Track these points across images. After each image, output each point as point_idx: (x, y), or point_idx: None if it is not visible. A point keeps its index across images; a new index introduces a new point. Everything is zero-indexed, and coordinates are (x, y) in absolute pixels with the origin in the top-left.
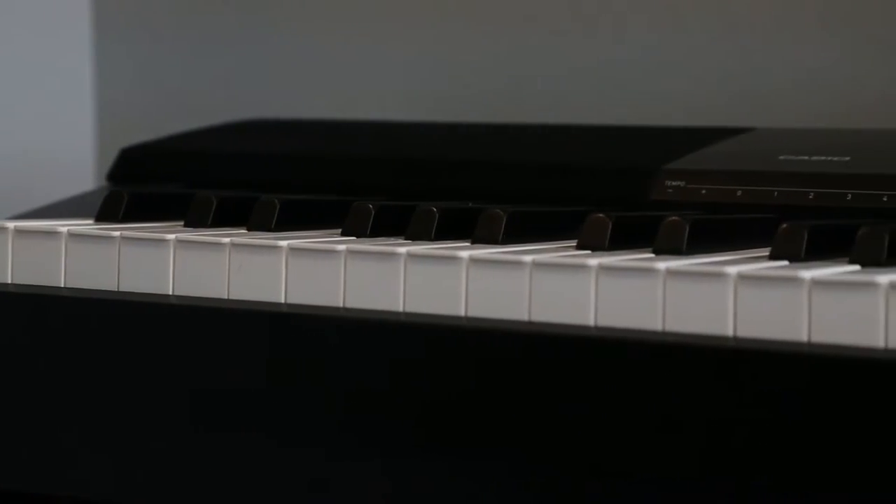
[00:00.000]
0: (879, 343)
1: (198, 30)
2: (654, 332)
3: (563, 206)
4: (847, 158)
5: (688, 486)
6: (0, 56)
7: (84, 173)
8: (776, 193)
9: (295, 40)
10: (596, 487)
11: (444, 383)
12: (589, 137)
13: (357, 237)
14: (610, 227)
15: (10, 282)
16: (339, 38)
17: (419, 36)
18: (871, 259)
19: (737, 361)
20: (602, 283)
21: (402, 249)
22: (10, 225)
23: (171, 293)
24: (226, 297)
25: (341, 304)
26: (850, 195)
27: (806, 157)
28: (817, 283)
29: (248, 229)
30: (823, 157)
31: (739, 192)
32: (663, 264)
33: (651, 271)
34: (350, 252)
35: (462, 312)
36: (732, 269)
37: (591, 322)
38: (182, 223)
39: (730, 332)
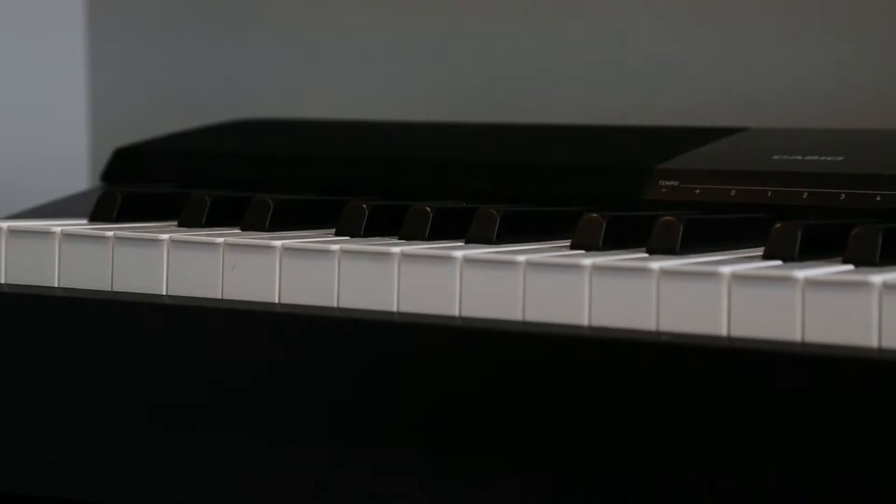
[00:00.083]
0: (873, 343)
1: (192, 30)
2: (648, 332)
3: (557, 206)
4: (841, 158)
5: (683, 485)
6: None
7: (78, 173)
8: (770, 193)
9: (289, 40)
10: (591, 487)
11: (438, 383)
12: (583, 137)
13: (351, 237)
14: (604, 226)
15: (3, 282)
16: (335, 38)
17: (415, 36)
18: (865, 259)
19: (730, 361)
20: (596, 283)
21: (396, 249)
22: (4, 225)
23: (164, 293)
24: (219, 297)
25: (335, 304)
26: (843, 195)
27: (800, 157)
28: (811, 283)
29: (242, 229)
30: (817, 157)
31: (733, 192)
32: (657, 264)
33: (645, 271)
34: (344, 252)
35: (456, 312)
36: (726, 269)
37: (584, 322)
38: (176, 223)
39: (723, 332)
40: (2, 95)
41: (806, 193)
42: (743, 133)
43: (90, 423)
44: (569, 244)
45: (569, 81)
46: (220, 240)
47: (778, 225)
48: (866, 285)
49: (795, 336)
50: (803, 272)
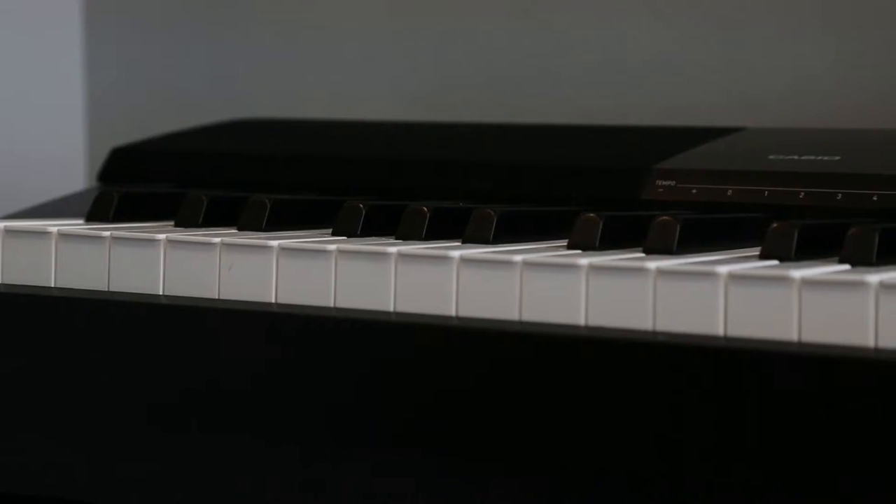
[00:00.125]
0: (869, 342)
1: (188, 29)
2: (645, 332)
3: (553, 206)
4: (837, 158)
5: (680, 485)
6: None
7: (75, 173)
8: (766, 193)
9: (288, 40)
10: (588, 487)
11: (435, 383)
12: (579, 137)
13: (348, 237)
14: (600, 226)
15: (0, 282)
16: (331, 38)
17: (415, 36)
18: (861, 258)
19: (727, 361)
20: (593, 283)
21: (393, 249)
22: (0, 224)
23: (161, 293)
24: (216, 296)
25: (332, 304)
26: (840, 195)
27: (796, 157)
28: (807, 283)
29: (239, 229)
30: (813, 157)
31: (730, 192)
32: (654, 264)
33: (641, 271)
34: (341, 252)
35: (453, 312)
36: (723, 269)
37: (581, 321)
38: (173, 223)
39: (720, 332)
40: None
41: (802, 193)
42: (740, 133)
43: (87, 423)
44: (566, 244)
45: (569, 81)
46: (217, 240)
47: (774, 225)
48: (863, 285)
49: (792, 336)
50: (800, 272)
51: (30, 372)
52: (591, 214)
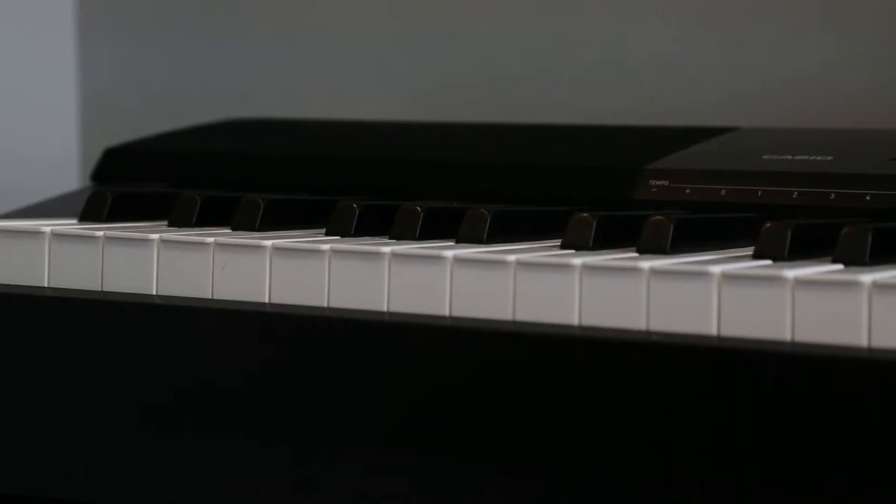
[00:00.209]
0: (862, 342)
1: (182, 30)
2: (638, 332)
3: (547, 206)
4: (830, 158)
5: (673, 485)
6: None
7: (68, 173)
8: (760, 193)
9: (280, 40)
10: (581, 486)
11: (428, 383)
12: (573, 137)
13: (341, 237)
14: (594, 226)
15: None
16: (325, 38)
17: (410, 36)
18: (855, 258)
19: (720, 360)
20: (586, 283)
21: (387, 249)
22: None
23: (154, 293)
24: (210, 296)
25: (325, 304)
26: (833, 194)
27: (789, 157)
28: (800, 283)
29: (233, 229)
30: (807, 157)
31: (723, 192)
32: (647, 263)
33: (635, 270)
34: (334, 252)
35: (446, 312)
36: (716, 269)
37: (575, 321)
38: (166, 223)
39: (713, 332)
40: None
41: (796, 193)
42: (733, 133)
43: (81, 424)
44: (559, 244)
45: (569, 81)
46: (211, 240)
47: (768, 224)
48: (856, 285)
49: (785, 336)
50: (793, 272)
51: (23, 372)
52: (585, 214)
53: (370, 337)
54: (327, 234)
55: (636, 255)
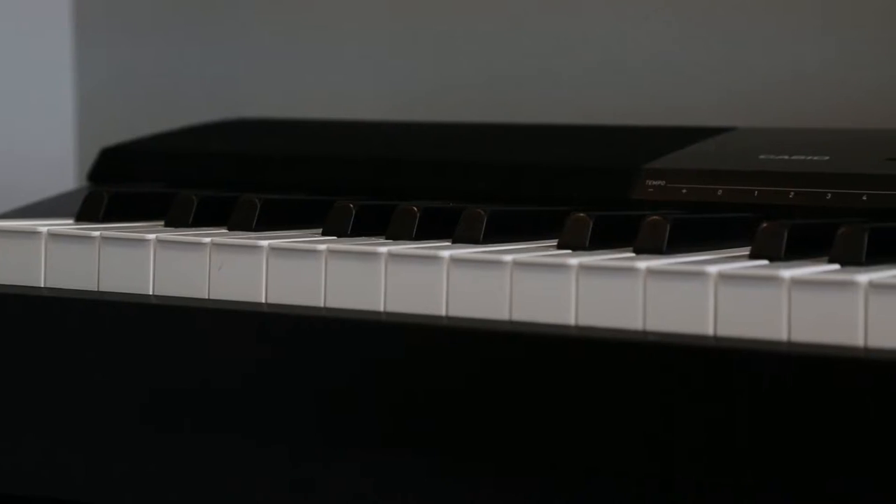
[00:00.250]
0: (859, 342)
1: (178, 30)
2: (635, 332)
3: (544, 206)
4: (827, 158)
5: (670, 486)
6: None
7: (65, 173)
8: (756, 193)
9: (276, 40)
10: (578, 487)
11: (425, 383)
12: (570, 137)
13: (338, 237)
14: (590, 226)
15: None
16: (321, 37)
17: (410, 36)
18: (851, 258)
19: (717, 360)
20: (583, 283)
21: (383, 249)
22: None
23: (151, 293)
24: (206, 296)
25: (322, 304)
26: (829, 194)
27: (786, 157)
28: (797, 283)
29: (229, 229)
30: (803, 157)
31: (720, 192)
32: (644, 264)
33: (631, 270)
34: (331, 252)
35: (443, 312)
36: (712, 269)
37: (571, 321)
38: (163, 223)
39: (710, 332)
40: None
41: (792, 193)
42: (730, 133)
43: (79, 424)
44: (556, 244)
45: (569, 81)
46: (207, 240)
47: (764, 224)
48: (852, 285)
49: (782, 335)
50: (789, 272)
51: (21, 373)
52: (581, 214)
53: (367, 337)
54: (324, 234)
55: (633, 255)
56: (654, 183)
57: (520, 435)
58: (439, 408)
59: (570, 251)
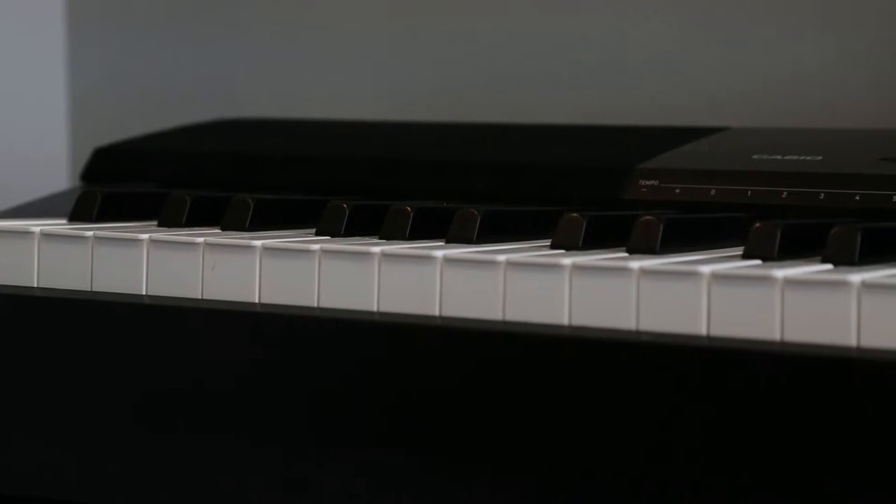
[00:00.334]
0: (851, 342)
1: (172, 29)
2: (628, 332)
3: (537, 206)
4: (820, 158)
5: (666, 485)
6: None
7: (58, 173)
8: (749, 193)
9: (271, 40)
10: (574, 487)
11: (419, 383)
12: (563, 137)
13: (331, 237)
14: (584, 226)
15: None
16: (315, 37)
17: (410, 36)
18: (844, 258)
19: (710, 360)
20: (576, 283)
21: (377, 249)
22: None
23: (144, 293)
24: (199, 296)
25: (315, 304)
26: (822, 194)
27: (779, 157)
28: (790, 283)
29: (222, 229)
30: (796, 157)
31: (713, 192)
32: (637, 263)
33: (625, 270)
34: (324, 252)
35: (436, 312)
36: (706, 269)
37: (564, 321)
38: (156, 223)
39: (703, 332)
40: None
41: (785, 193)
42: (723, 133)
43: (72, 424)
44: (549, 244)
45: (569, 81)
46: (200, 240)
47: (757, 224)
48: (845, 284)
49: (775, 335)
50: (782, 272)
51: (13, 373)
52: (575, 214)
53: (360, 337)
54: (317, 234)
55: (626, 255)
56: (648, 183)
57: (514, 435)
58: (433, 408)
59: (563, 251)
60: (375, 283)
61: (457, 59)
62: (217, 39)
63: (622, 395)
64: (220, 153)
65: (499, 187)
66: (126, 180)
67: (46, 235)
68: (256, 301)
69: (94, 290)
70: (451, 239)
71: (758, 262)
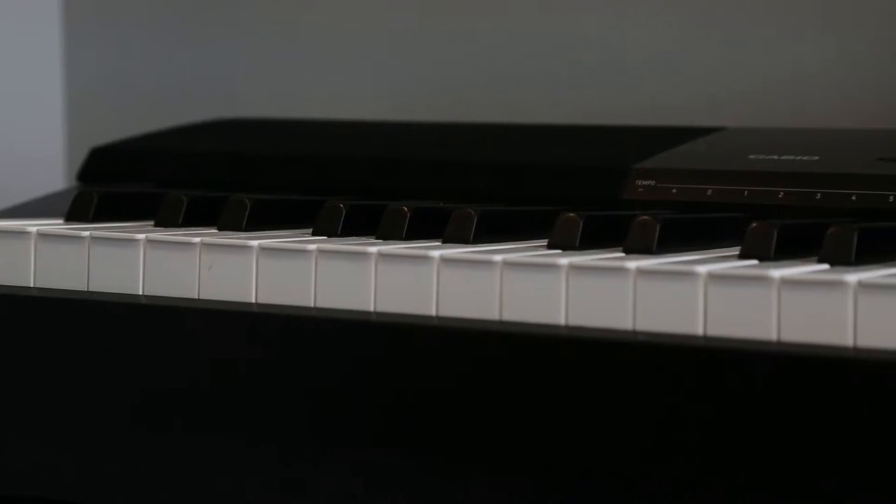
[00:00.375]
0: (848, 342)
1: (169, 29)
2: (625, 332)
3: (534, 206)
4: (816, 158)
5: (662, 485)
6: None
7: (54, 173)
8: (746, 193)
9: (266, 39)
10: (571, 486)
11: (416, 383)
12: (560, 137)
13: (328, 237)
14: (580, 226)
15: None
16: (312, 37)
17: (410, 36)
18: (840, 258)
19: (706, 360)
20: (573, 283)
21: (373, 249)
22: None
23: (141, 293)
24: (196, 296)
25: (312, 304)
26: (819, 194)
27: (776, 157)
28: (786, 283)
29: (219, 229)
30: (793, 157)
31: (710, 192)
32: (634, 263)
33: (621, 270)
34: (321, 252)
35: (433, 312)
36: (702, 269)
37: (561, 321)
38: (152, 223)
39: (700, 331)
40: None
41: (782, 193)
42: (720, 133)
43: (69, 424)
44: (546, 244)
45: (569, 81)
46: (197, 240)
47: (754, 224)
48: (842, 284)
49: (771, 335)
50: (779, 272)
51: (10, 373)
52: (571, 214)
53: (357, 337)
54: (314, 234)
55: (623, 255)
56: (644, 183)
57: (511, 435)
58: (430, 408)
59: (560, 251)
60: (372, 283)
61: (457, 59)
62: (216, 39)
63: (619, 395)
64: (216, 153)
65: (496, 187)
66: (123, 180)
67: (43, 235)
68: (253, 301)
69: (90, 290)
70: (448, 239)
71: (754, 262)
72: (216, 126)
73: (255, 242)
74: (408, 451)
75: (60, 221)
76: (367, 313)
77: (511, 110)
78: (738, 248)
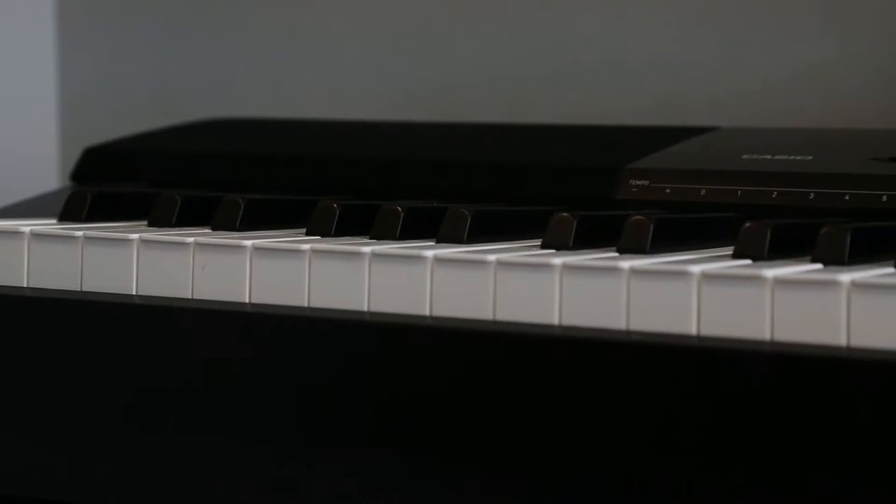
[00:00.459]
0: (841, 341)
1: (162, 29)
2: (619, 331)
3: (527, 206)
4: (810, 157)
5: (654, 484)
6: None
7: (48, 173)
8: (739, 192)
9: (261, 39)
10: (564, 486)
11: (409, 383)
12: (554, 137)
13: (322, 237)
14: (574, 226)
15: None
16: (307, 37)
17: (410, 36)
18: (834, 258)
19: (700, 360)
20: (566, 282)
21: (367, 249)
22: None
23: (134, 293)
24: (190, 296)
25: (306, 304)
26: (812, 194)
27: (769, 157)
28: (780, 282)
29: (213, 229)
30: (786, 157)
31: (703, 191)
32: (627, 263)
33: (615, 270)
34: (314, 251)
35: (427, 312)
36: (696, 268)
37: (555, 321)
38: (146, 223)
39: (693, 331)
40: None
41: (775, 193)
42: (713, 132)
43: (62, 424)
44: (539, 244)
45: (569, 81)
46: (191, 239)
47: (747, 224)
48: (835, 284)
49: (765, 335)
50: (772, 271)
51: (3, 372)
52: (565, 214)
53: (350, 337)
54: (308, 234)
55: (616, 254)
56: (638, 183)
57: (505, 435)
58: (423, 408)
59: (553, 251)
60: (366, 283)
61: (457, 59)
62: (215, 39)
63: (612, 395)
64: (210, 153)
65: (489, 187)
66: (116, 180)
67: (36, 235)
68: (247, 301)
69: (83, 289)
70: (442, 239)
71: (748, 261)
72: (210, 126)
73: (248, 242)
74: (401, 450)
75: (54, 221)
76: (361, 313)
77: (511, 110)
78: (732, 247)
